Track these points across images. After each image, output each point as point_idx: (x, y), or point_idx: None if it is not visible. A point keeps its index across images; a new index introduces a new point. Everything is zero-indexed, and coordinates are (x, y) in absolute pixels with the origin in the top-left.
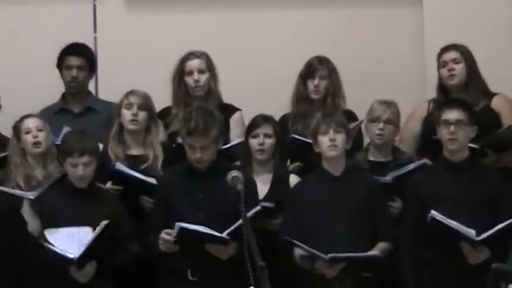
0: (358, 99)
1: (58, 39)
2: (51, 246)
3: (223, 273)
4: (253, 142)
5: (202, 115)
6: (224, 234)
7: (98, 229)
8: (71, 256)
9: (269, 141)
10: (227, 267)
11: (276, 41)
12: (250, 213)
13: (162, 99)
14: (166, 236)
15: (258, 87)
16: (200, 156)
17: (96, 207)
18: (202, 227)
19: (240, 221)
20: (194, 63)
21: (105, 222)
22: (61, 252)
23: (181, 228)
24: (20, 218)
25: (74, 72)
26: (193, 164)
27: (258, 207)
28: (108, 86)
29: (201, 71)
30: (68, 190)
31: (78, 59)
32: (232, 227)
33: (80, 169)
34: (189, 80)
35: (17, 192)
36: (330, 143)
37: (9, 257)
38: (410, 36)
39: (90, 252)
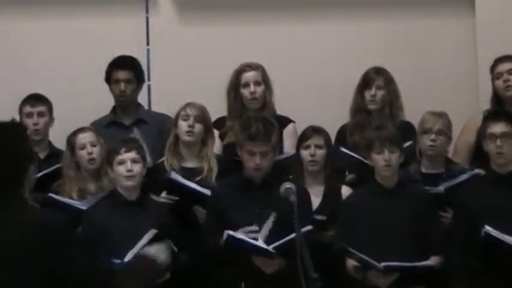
0: (410, 110)
1: (111, 52)
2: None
3: (277, 285)
4: (305, 153)
5: (262, 122)
6: (270, 248)
7: (147, 236)
8: (118, 261)
9: (320, 152)
10: (281, 279)
11: (329, 52)
12: (302, 230)
13: (214, 110)
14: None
15: (311, 99)
16: (259, 163)
17: (145, 218)
18: (250, 238)
19: (289, 237)
20: (250, 76)
21: (154, 230)
22: (111, 260)
23: (229, 236)
24: (71, 234)
25: (122, 86)
26: (250, 172)
27: (309, 227)
28: (160, 97)
29: (257, 83)
30: (118, 202)
31: (126, 72)
32: (280, 242)
33: (128, 164)
34: (245, 92)
35: (71, 202)
36: (384, 163)
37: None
38: (463, 47)
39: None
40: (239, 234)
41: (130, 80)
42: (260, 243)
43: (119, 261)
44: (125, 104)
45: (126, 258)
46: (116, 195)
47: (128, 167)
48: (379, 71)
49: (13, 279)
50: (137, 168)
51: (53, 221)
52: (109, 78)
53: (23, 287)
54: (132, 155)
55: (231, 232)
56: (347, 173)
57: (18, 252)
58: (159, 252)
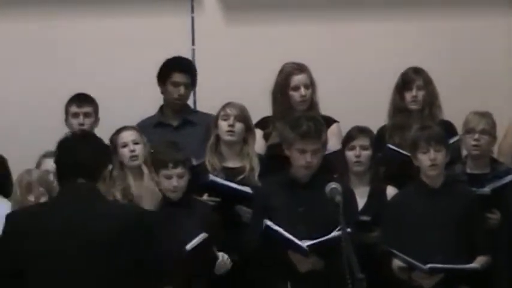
0: (455, 111)
1: (157, 52)
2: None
3: (323, 286)
4: (350, 154)
5: (313, 120)
6: (305, 245)
7: (196, 240)
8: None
9: (365, 153)
10: (327, 279)
11: (371, 52)
12: (336, 234)
13: (259, 110)
14: None
15: (354, 99)
16: (310, 161)
17: (190, 218)
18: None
19: (327, 236)
20: (301, 79)
21: (204, 234)
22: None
23: (267, 226)
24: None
25: (182, 90)
26: (298, 171)
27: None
28: (206, 98)
29: (306, 86)
30: (163, 203)
31: (186, 76)
32: (315, 241)
33: (174, 180)
34: (295, 95)
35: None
36: (430, 162)
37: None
38: (507, 48)
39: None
40: (276, 226)
41: (188, 84)
42: (295, 238)
43: None
44: (179, 108)
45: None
46: (161, 196)
47: (174, 183)
48: (418, 71)
49: (98, 270)
50: (182, 182)
51: (136, 212)
52: (165, 78)
53: (107, 277)
54: (179, 170)
55: (269, 222)
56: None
57: (105, 243)
58: None
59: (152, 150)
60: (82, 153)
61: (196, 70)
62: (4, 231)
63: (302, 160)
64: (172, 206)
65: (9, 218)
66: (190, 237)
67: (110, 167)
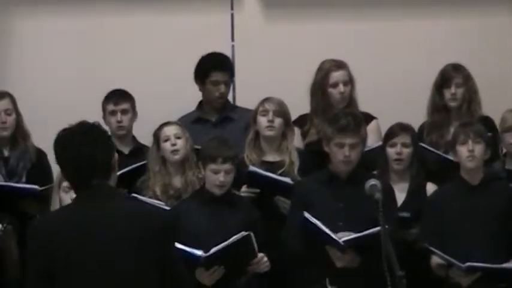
0: (491, 108)
1: (196, 48)
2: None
3: (362, 282)
4: (391, 151)
5: (351, 115)
6: (341, 240)
7: (236, 237)
8: (198, 253)
9: (407, 151)
10: (366, 276)
11: (409, 50)
12: (373, 231)
13: (298, 106)
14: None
15: (392, 96)
16: (348, 155)
17: (232, 214)
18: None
19: (364, 232)
20: (340, 75)
21: (245, 233)
22: (189, 250)
23: (305, 219)
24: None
25: (222, 88)
26: (337, 166)
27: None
28: (245, 93)
29: (345, 83)
30: (206, 199)
31: (224, 73)
32: (352, 236)
33: (221, 176)
34: (334, 92)
35: (153, 202)
36: (468, 153)
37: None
38: None
39: (221, 255)
40: (313, 219)
41: (228, 82)
42: (332, 233)
43: (199, 253)
44: (220, 106)
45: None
46: (204, 192)
47: (221, 178)
48: (457, 68)
49: (120, 270)
50: (229, 178)
51: (157, 211)
52: (204, 77)
53: (130, 277)
54: (227, 166)
55: (307, 214)
56: None
57: (124, 243)
58: None
59: (197, 147)
60: (89, 151)
61: (233, 65)
62: (32, 243)
63: (340, 154)
64: (215, 201)
65: (34, 230)
66: (232, 233)
67: (116, 156)
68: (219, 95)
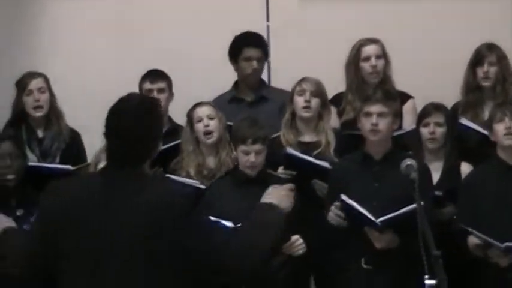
0: None
1: (232, 28)
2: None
3: (398, 262)
4: (424, 131)
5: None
6: (377, 221)
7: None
8: (228, 224)
9: (440, 130)
10: (402, 256)
11: (445, 29)
12: (409, 208)
13: (333, 86)
14: (334, 208)
15: (429, 75)
16: (376, 123)
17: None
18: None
19: (398, 211)
20: (371, 49)
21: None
22: (221, 221)
23: (342, 201)
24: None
25: (255, 63)
26: (368, 136)
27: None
28: (280, 74)
29: (377, 57)
30: (239, 180)
31: (258, 50)
32: (389, 216)
33: (252, 156)
34: (366, 66)
35: (189, 181)
36: (505, 131)
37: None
38: None
39: None
40: (350, 200)
41: (261, 58)
42: (368, 213)
43: (230, 223)
44: (254, 82)
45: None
46: (238, 173)
47: (252, 159)
48: (491, 47)
49: (143, 255)
50: (260, 159)
51: (182, 196)
52: (236, 55)
53: (153, 261)
54: (257, 147)
55: (344, 196)
56: None
57: (148, 228)
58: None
59: (230, 123)
60: (132, 132)
61: (266, 43)
62: (41, 213)
63: (368, 123)
64: (249, 182)
65: (43, 199)
66: None
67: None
68: (251, 71)
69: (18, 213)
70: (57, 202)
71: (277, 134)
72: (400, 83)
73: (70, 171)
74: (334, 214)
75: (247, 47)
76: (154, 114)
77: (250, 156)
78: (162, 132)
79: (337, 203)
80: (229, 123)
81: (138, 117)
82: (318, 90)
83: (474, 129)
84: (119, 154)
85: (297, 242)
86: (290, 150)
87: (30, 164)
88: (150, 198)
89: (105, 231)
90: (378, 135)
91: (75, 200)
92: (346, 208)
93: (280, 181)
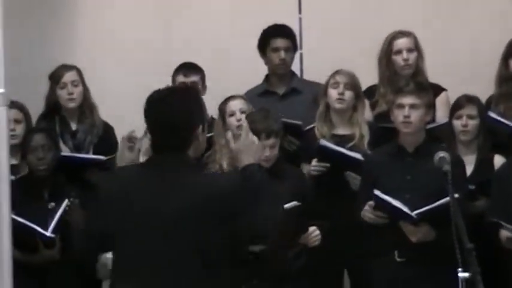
0: None
1: (264, 21)
2: None
3: (431, 255)
4: (457, 123)
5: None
6: (413, 213)
7: (287, 206)
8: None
9: (473, 123)
10: (435, 249)
11: (479, 22)
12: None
13: (365, 78)
14: (368, 207)
15: (463, 67)
16: (408, 115)
17: (280, 186)
18: (396, 200)
19: (434, 204)
20: (403, 42)
21: (296, 203)
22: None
23: (375, 196)
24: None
25: (282, 54)
26: (400, 128)
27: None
28: (312, 66)
29: (409, 50)
30: None
31: (285, 40)
32: (424, 208)
33: (266, 151)
34: (398, 59)
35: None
36: None
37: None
38: None
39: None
40: (384, 196)
41: (289, 48)
42: (403, 206)
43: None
44: (283, 73)
45: None
46: None
47: (266, 153)
48: None
49: (194, 243)
50: (274, 152)
51: (225, 182)
52: (265, 46)
53: (202, 250)
54: (271, 141)
55: (377, 192)
56: None
57: (199, 215)
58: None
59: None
60: (169, 120)
61: (294, 34)
62: (97, 196)
63: (400, 115)
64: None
65: (101, 185)
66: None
67: (200, 128)
68: (279, 62)
69: (50, 207)
70: (116, 185)
71: (310, 126)
72: (434, 74)
73: (103, 161)
74: (368, 213)
75: (275, 37)
76: (193, 102)
77: (264, 151)
78: (206, 120)
79: (371, 202)
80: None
81: (176, 106)
82: (352, 83)
83: (503, 122)
84: (162, 143)
85: (314, 233)
86: (323, 142)
87: (63, 154)
88: (193, 182)
89: (150, 214)
90: (410, 127)
91: (131, 183)
92: (380, 203)
93: (294, 171)
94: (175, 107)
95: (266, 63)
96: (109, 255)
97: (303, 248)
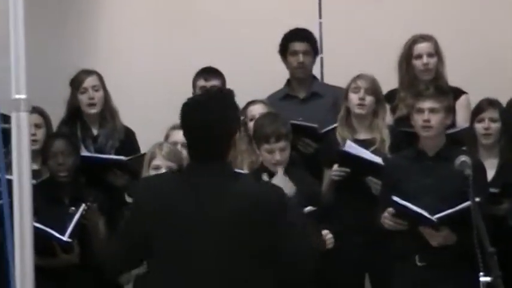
0: None
1: (284, 26)
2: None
3: (452, 259)
4: (479, 126)
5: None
6: (433, 217)
7: (306, 210)
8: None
9: (495, 126)
10: (456, 253)
11: (500, 23)
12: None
13: (386, 82)
14: (386, 213)
15: (483, 69)
16: (428, 119)
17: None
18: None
19: (455, 208)
20: (423, 47)
21: (312, 208)
22: None
23: (393, 202)
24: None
25: (301, 57)
26: (420, 133)
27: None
28: (333, 70)
29: (430, 55)
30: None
31: (304, 44)
32: (445, 212)
33: (276, 155)
34: (418, 64)
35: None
36: None
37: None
38: None
39: None
40: (404, 201)
41: (308, 52)
42: (423, 211)
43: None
44: (302, 76)
45: None
46: (262, 170)
47: (277, 157)
48: None
49: (231, 252)
50: (285, 155)
51: (269, 191)
52: (285, 50)
53: (240, 259)
54: (281, 144)
55: (395, 198)
56: None
57: (237, 224)
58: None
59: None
60: (208, 129)
61: (315, 39)
62: (133, 206)
63: (420, 120)
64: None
65: (137, 192)
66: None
67: (238, 134)
68: (297, 65)
69: (70, 211)
70: (151, 195)
71: (330, 127)
72: (454, 77)
73: (124, 162)
74: (387, 219)
75: (293, 41)
76: (231, 107)
77: (275, 155)
78: (240, 123)
79: (390, 209)
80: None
81: (215, 113)
82: (373, 88)
83: None
84: (201, 151)
85: (327, 236)
86: (347, 147)
87: (84, 154)
88: (237, 190)
89: (194, 222)
90: (430, 131)
91: (166, 193)
92: (399, 209)
93: (306, 177)
94: (214, 115)
95: (287, 68)
96: None
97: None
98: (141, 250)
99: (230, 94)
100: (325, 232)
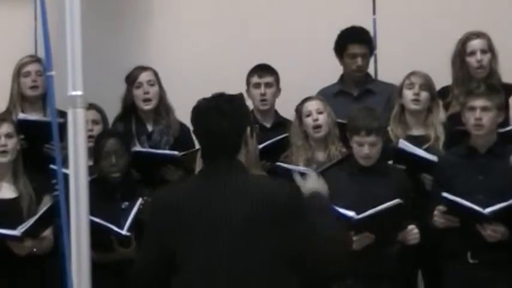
0: None
1: (338, 22)
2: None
3: (506, 257)
4: None
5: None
6: (486, 211)
7: (389, 203)
8: (350, 214)
9: None
10: (509, 250)
11: None
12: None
13: (440, 79)
14: (437, 211)
15: None
16: (479, 118)
17: (383, 184)
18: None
19: (508, 202)
20: (477, 44)
21: (399, 200)
22: (342, 211)
23: (444, 198)
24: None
25: (359, 61)
26: (472, 131)
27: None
28: (387, 67)
29: (483, 51)
30: (353, 169)
31: (363, 47)
32: (498, 206)
33: (365, 148)
34: (471, 61)
35: (300, 169)
36: None
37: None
38: None
39: (372, 220)
40: (452, 196)
41: (366, 54)
42: (474, 205)
43: (352, 213)
44: (359, 77)
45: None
46: (353, 162)
47: (365, 151)
48: None
49: (250, 251)
50: (375, 150)
51: (285, 190)
52: (341, 50)
53: (260, 260)
54: (371, 138)
55: (445, 194)
56: None
57: (253, 222)
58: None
59: (340, 121)
60: (218, 128)
61: (371, 38)
62: (153, 215)
63: (472, 118)
64: (365, 171)
65: (156, 201)
66: (382, 203)
67: (248, 130)
68: (356, 68)
69: (123, 206)
70: (174, 198)
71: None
72: (508, 73)
73: (177, 156)
74: (439, 217)
75: (352, 43)
76: (239, 107)
77: (364, 148)
78: (253, 124)
79: (440, 207)
80: (338, 120)
81: (224, 112)
82: (427, 84)
83: None
84: (213, 149)
85: (413, 231)
86: (402, 145)
87: (137, 149)
88: (254, 187)
89: (225, 217)
90: (482, 130)
91: (190, 195)
92: (450, 205)
93: (397, 172)
94: (223, 113)
95: (342, 66)
96: None
97: (399, 247)
98: (166, 266)
99: (238, 97)
100: (411, 227)
